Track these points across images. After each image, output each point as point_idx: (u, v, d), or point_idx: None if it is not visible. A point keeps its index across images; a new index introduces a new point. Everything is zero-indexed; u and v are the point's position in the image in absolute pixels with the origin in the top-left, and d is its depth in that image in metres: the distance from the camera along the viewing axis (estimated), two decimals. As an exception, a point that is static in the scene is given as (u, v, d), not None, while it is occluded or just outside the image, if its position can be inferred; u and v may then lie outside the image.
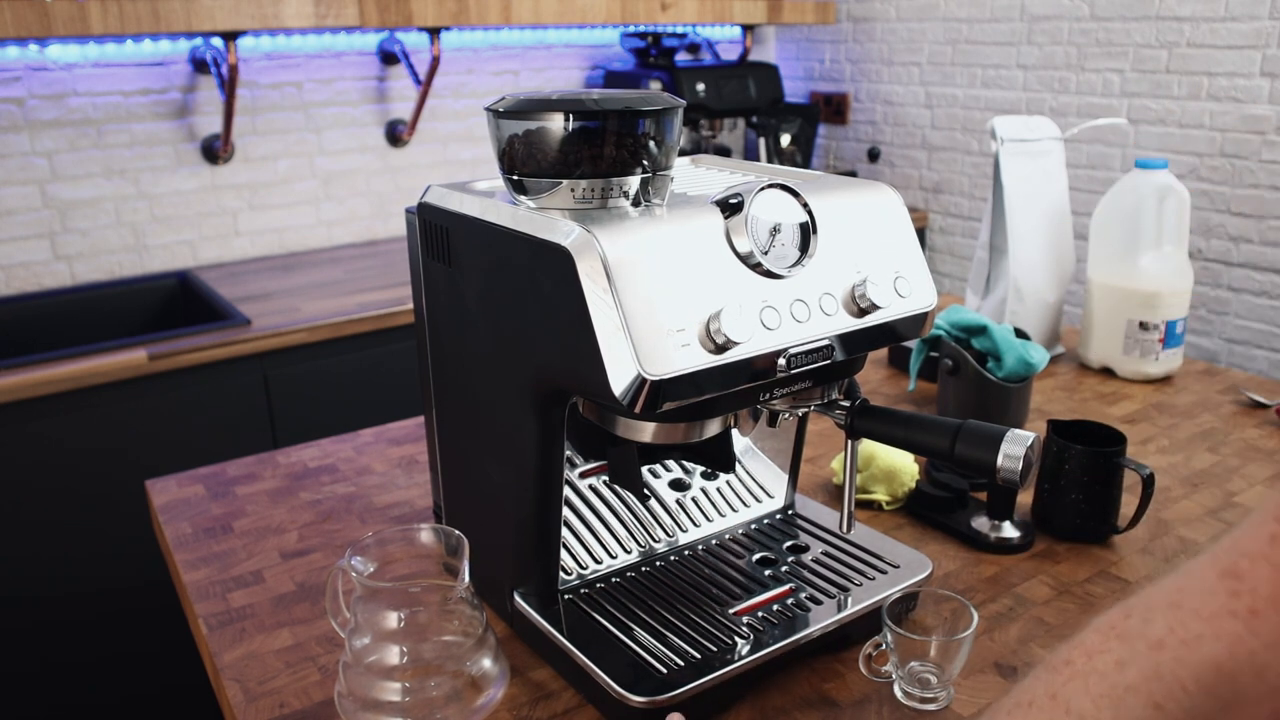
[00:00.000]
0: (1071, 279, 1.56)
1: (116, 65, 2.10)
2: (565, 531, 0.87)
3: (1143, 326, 1.38)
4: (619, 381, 0.62)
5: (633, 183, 0.71)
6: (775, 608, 0.81)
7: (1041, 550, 0.98)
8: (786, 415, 0.80)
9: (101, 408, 1.66)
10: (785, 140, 2.80)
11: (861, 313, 0.73)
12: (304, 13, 1.98)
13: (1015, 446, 0.68)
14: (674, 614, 0.81)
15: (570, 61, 2.77)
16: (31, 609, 1.67)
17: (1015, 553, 0.97)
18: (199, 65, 2.18)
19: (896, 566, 0.87)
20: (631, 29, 2.75)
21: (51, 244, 2.10)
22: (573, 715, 0.76)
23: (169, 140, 2.20)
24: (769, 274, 0.69)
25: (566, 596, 0.83)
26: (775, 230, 0.70)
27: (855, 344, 0.73)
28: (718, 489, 0.98)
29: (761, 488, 0.99)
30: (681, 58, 2.97)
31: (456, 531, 0.75)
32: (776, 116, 2.78)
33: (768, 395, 0.74)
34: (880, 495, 1.05)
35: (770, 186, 0.70)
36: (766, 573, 0.87)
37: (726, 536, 0.94)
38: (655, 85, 2.62)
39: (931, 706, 0.75)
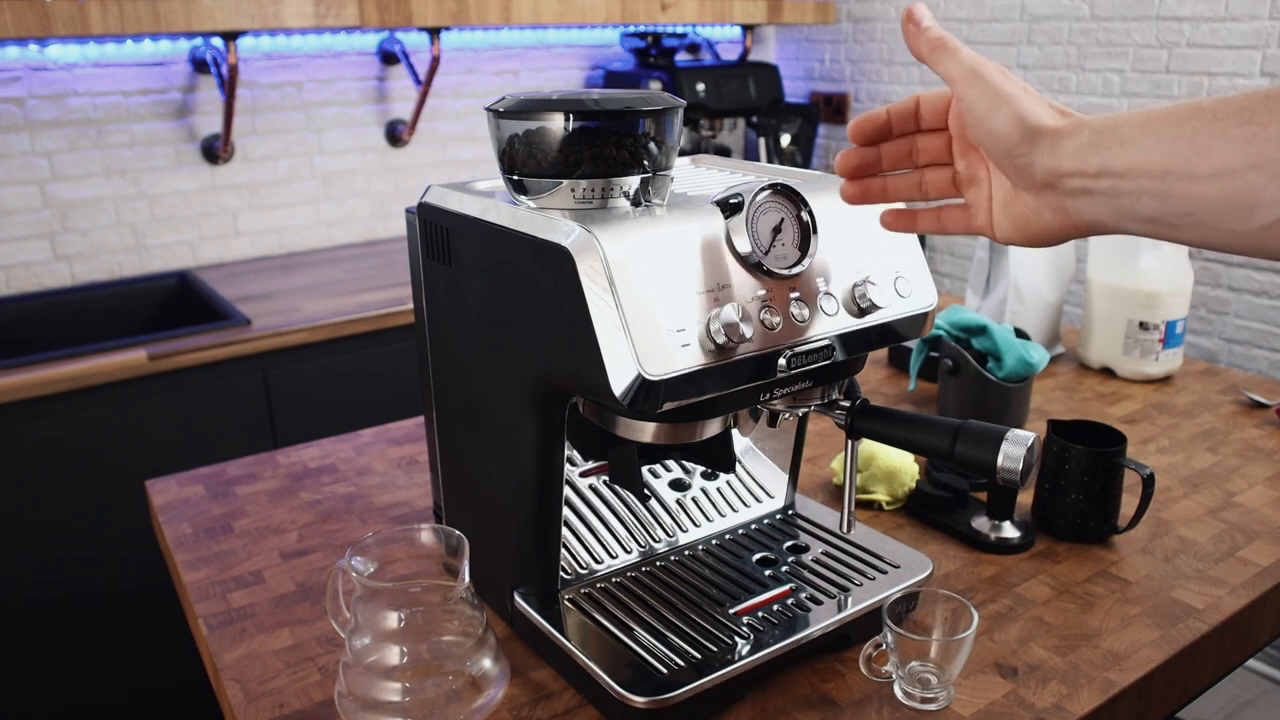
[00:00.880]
0: (1071, 279, 1.56)
1: (116, 65, 2.10)
2: (565, 531, 0.87)
3: (1143, 326, 1.38)
4: (619, 381, 0.62)
5: (633, 183, 0.71)
6: (775, 608, 0.81)
7: (1041, 550, 0.98)
8: (786, 415, 0.80)
9: (101, 408, 1.66)
10: (785, 140, 2.80)
11: (862, 313, 0.73)
12: (304, 13, 1.98)
13: (1015, 446, 0.68)
14: (674, 614, 0.81)
15: (570, 61, 2.77)
16: (31, 609, 1.67)
17: (1015, 553, 0.97)
18: (199, 65, 2.18)
19: (896, 566, 0.87)
20: (631, 29, 2.75)
21: (51, 244, 2.10)
22: (573, 715, 0.76)
23: (169, 140, 2.20)
24: (769, 274, 0.69)
25: (566, 596, 0.83)
26: (775, 230, 0.70)
27: (855, 344, 0.73)
28: (718, 489, 0.98)
29: (761, 488, 0.99)
30: (681, 58, 2.97)
31: (456, 531, 0.75)
32: (776, 116, 2.78)
33: (768, 395, 0.74)
34: (880, 495, 1.05)
35: (770, 186, 0.70)
36: (767, 573, 0.87)
37: (726, 536, 0.94)
38: (655, 85, 2.62)
39: (932, 706, 0.75)
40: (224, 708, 0.81)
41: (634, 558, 0.89)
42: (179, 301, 2.20)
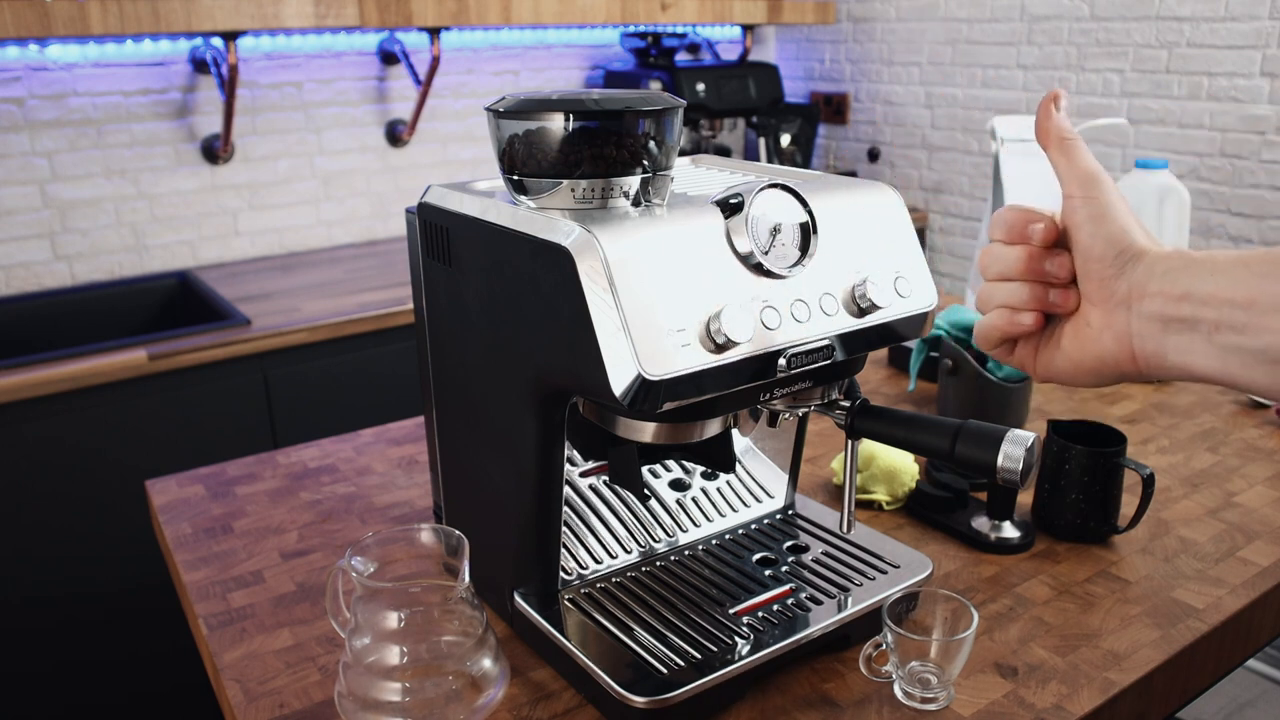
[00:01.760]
0: (1071, 279, 1.56)
1: (116, 65, 2.10)
2: (565, 531, 0.87)
3: (1143, 326, 1.38)
4: (619, 381, 0.62)
5: (633, 183, 0.71)
6: (775, 608, 0.81)
7: (1041, 550, 0.98)
8: (786, 415, 0.80)
9: (101, 408, 1.66)
10: (785, 140, 2.80)
11: (862, 313, 0.73)
12: (304, 13, 1.98)
13: (1015, 447, 0.68)
14: (674, 614, 0.81)
15: (570, 61, 2.77)
16: (31, 609, 1.67)
17: (1015, 553, 0.97)
18: (199, 65, 2.18)
19: (896, 566, 0.87)
20: (631, 29, 2.75)
21: (51, 244, 2.10)
22: (573, 715, 0.76)
23: (169, 140, 2.20)
24: (769, 274, 0.69)
25: (566, 596, 0.83)
26: (775, 230, 0.70)
27: (855, 344, 0.73)
28: (718, 489, 0.98)
29: (761, 488, 0.99)
30: (681, 58, 2.97)
31: (456, 531, 0.75)
32: (776, 116, 2.78)
33: (768, 395, 0.74)
34: (880, 495, 1.05)
35: (770, 186, 0.70)
36: (767, 573, 0.87)
37: (726, 536, 0.94)
38: (655, 85, 2.62)
39: (932, 706, 0.75)
40: (224, 708, 0.81)
41: (634, 558, 0.89)
42: (179, 301, 2.20)
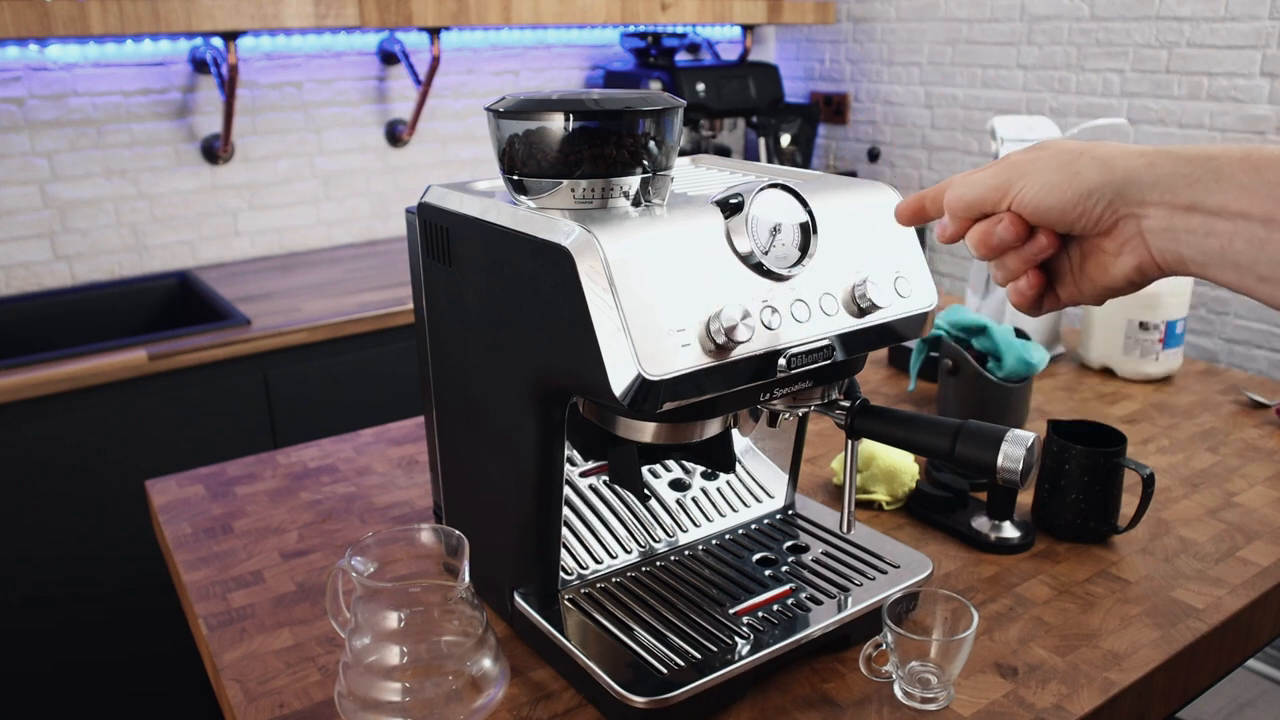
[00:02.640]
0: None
1: (116, 65, 2.10)
2: (565, 531, 0.87)
3: (1143, 326, 1.38)
4: (619, 381, 0.62)
5: (633, 183, 0.71)
6: (775, 608, 0.81)
7: (1041, 550, 0.98)
8: (786, 415, 0.80)
9: (101, 408, 1.66)
10: (785, 140, 2.80)
11: (862, 313, 0.73)
12: (304, 13, 1.98)
13: (1015, 447, 0.68)
14: (674, 614, 0.81)
15: (570, 61, 2.77)
16: (31, 609, 1.67)
17: (1015, 553, 0.97)
18: (199, 65, 2.18)
19: (896, 566, 0.87)
20: (631, 29, 2.75)
21: (51, 244, 2.10)
22: (573, 715, 0.76)
23: (169, 140, 2.20)
24: (769, 274, 0.69)
25: (566, 596, 0.83)
26: (775, 230, 0.70)
27: (855, 344, 0.73)
28: (718, 489, 0.98)
29: (761, 488, 0.99)
30: (681, 58, 2.97)
31: (456, 531, 0.75)
32: (776, 116, 2.78)
33: (768, 395, 0.74)
34: (880, 495, 1.05)
35: (770, 186, 0.70)
36: (767, 573, 0.87)
37: (726, 536, 0.94)
38: (655, 85, 2.62)
39: (932, 706, 0.75)
40: (224, 708, 0.81)
41: (634, 558, 0.89)
42: (179, 301, 2.20)
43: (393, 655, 0.71)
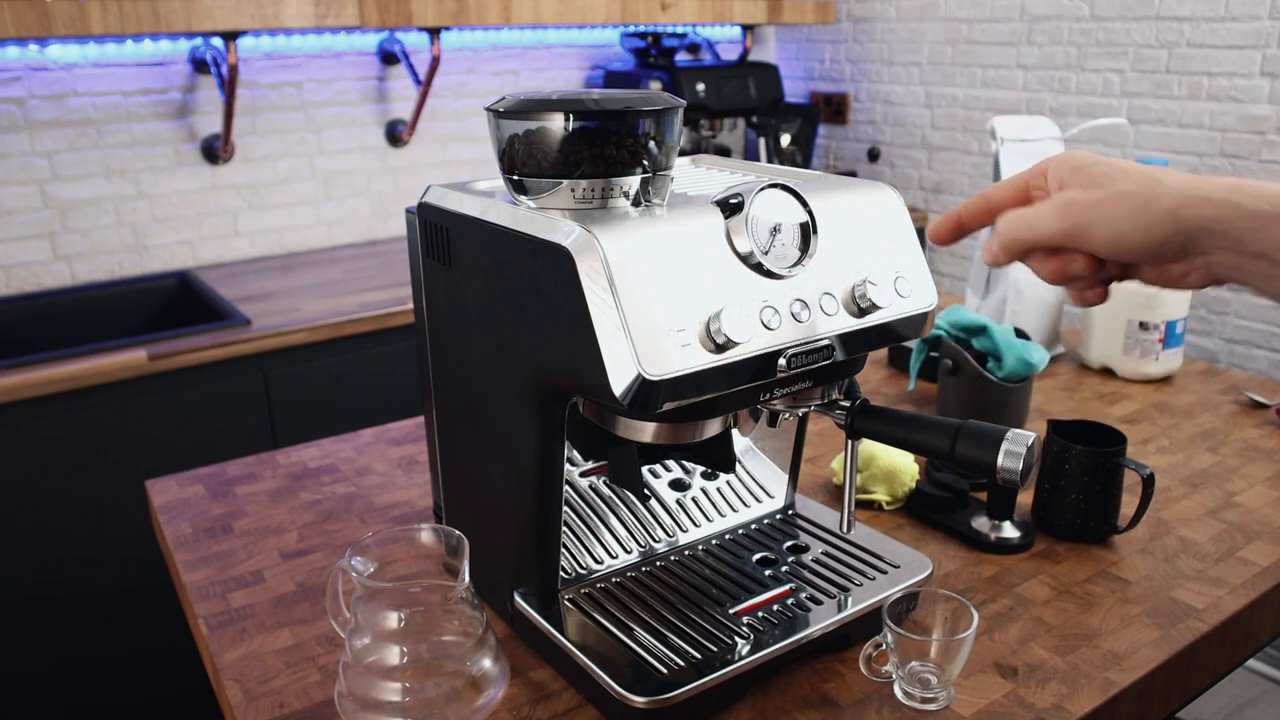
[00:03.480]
0: (1071, 279, 1.56)
1: (116, 65, 2.10)
2: (565, 531, 0.87)
3: (1143, 326, 1.38)
4: (619, 381, 0.62)
5: (633, 183, 0.71)
6: (775, 608, 0.81)
7: (1041, 550, 0.98)
8: (786, 415, 0.80)
9: (101, 408, 1.66)
10: (785, 140, 2.80)
11: (862, 313, 0.73)
12: (304, 13, 1.98)
13: (1015, 446, 0.68)
14: (674, 614, 0.81)
15: (570, 61, 2.77)
16: (31, 609, 1.67)
17: (1015, 553, 0.97)
18: (199, 65, 2.18)
19: (896, 566, 0.87)
20: (631, 29, 2.75)
21: (51, 244, 2.10)
22: (573, 715, 0.76)
23: (169, 140, 2.20)
24: (769, 274, 0.69)
25: (566, 596, 0.83)
26: (775, 230, 0.70)
27: (855, 344, 0.73)
28: (718, 489, 0.98)
29: (761, 488, 0.99)
30: (681, 58, 2.97)
31: (456, 531, 0.75)
32: (776, 116, 2.78)
33: (768, 395, 0.74)
34: (880, 495, 1.05)
35: (770, 186, 0.70)
36: (767, 573, 0.87)
37: (726, 536, 0.94)
38: (655, 85, 2.62)
39: (932, 706, 0.75)
40: (224, 708, 0.81)
41: (634, 558, 0.89)
42: (179, 301, 2.20)
43: (393, 655, 0.71)
